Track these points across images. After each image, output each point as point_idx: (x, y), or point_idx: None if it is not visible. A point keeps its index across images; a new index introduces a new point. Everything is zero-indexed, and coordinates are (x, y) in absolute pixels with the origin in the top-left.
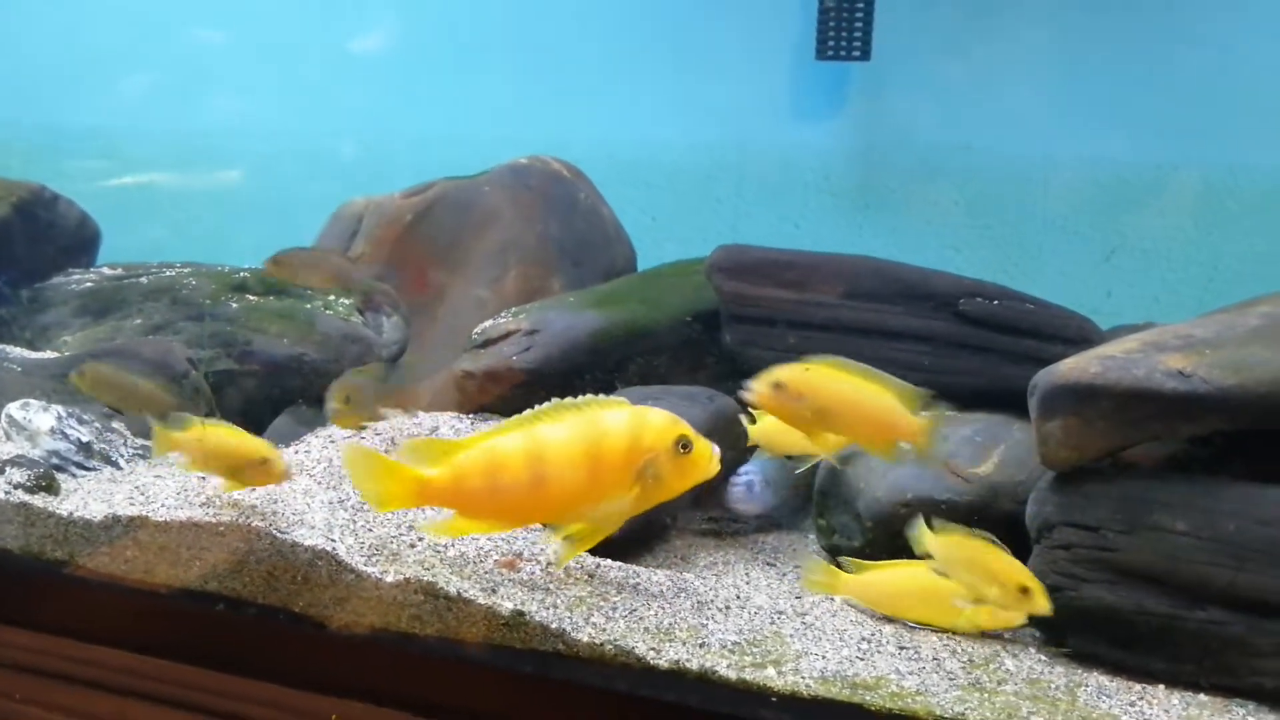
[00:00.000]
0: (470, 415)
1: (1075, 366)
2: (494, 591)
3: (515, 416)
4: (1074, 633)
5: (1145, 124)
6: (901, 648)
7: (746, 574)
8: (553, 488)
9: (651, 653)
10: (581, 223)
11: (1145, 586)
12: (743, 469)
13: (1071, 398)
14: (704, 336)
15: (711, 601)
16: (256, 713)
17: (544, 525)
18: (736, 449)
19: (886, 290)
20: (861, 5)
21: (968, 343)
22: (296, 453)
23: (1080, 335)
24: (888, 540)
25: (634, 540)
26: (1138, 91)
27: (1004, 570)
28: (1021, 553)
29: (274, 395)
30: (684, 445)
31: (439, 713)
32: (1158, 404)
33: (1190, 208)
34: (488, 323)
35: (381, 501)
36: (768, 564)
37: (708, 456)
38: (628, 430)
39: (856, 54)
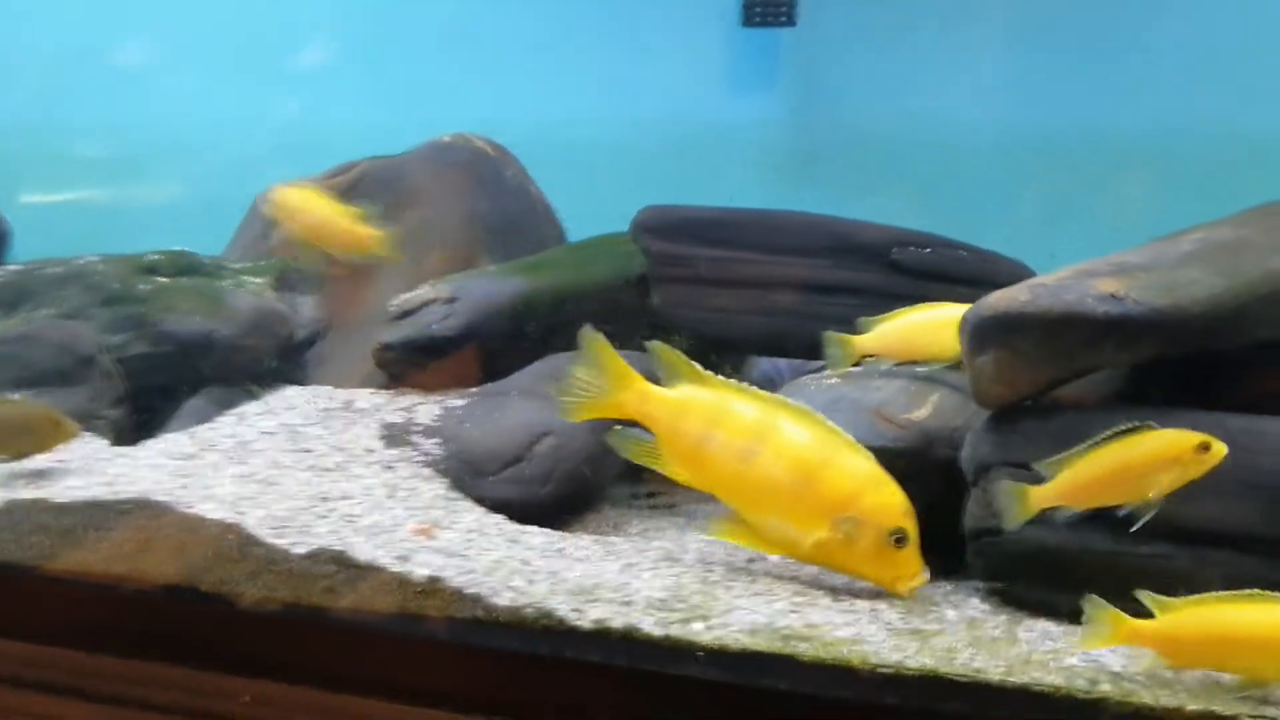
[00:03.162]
0: (389, 390)
1: (1004, 296)
2: (407, 559)
3: (766, 394)
4: (1017, 579)
5: (1084, 88)
6: (837, 600)
7: (680, 538)
8: (751, 474)
9: (574, 614)
10: (509, 201)
11: (1088, 524)
12: None
13: (1001, 328)
14: (635, 301)
15: (639, 563)
16: (165, 697)
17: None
18: None
19: (815, 244)
20: None
21: (901, 293)
22: (209, 430)
23: (1015, 280)
24: None
25: (562, 508)
26: (1075, 55)
27: None
28: (958, 499)
29: (188, 375)
30: (899, 539)
31: (354, 687)
32: (1090, 329)
33: (1131, 171)
34: (405, 294)
35: (595, 402)
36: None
37: (911, 573)
38: (855, 479)
39: (783, 19)
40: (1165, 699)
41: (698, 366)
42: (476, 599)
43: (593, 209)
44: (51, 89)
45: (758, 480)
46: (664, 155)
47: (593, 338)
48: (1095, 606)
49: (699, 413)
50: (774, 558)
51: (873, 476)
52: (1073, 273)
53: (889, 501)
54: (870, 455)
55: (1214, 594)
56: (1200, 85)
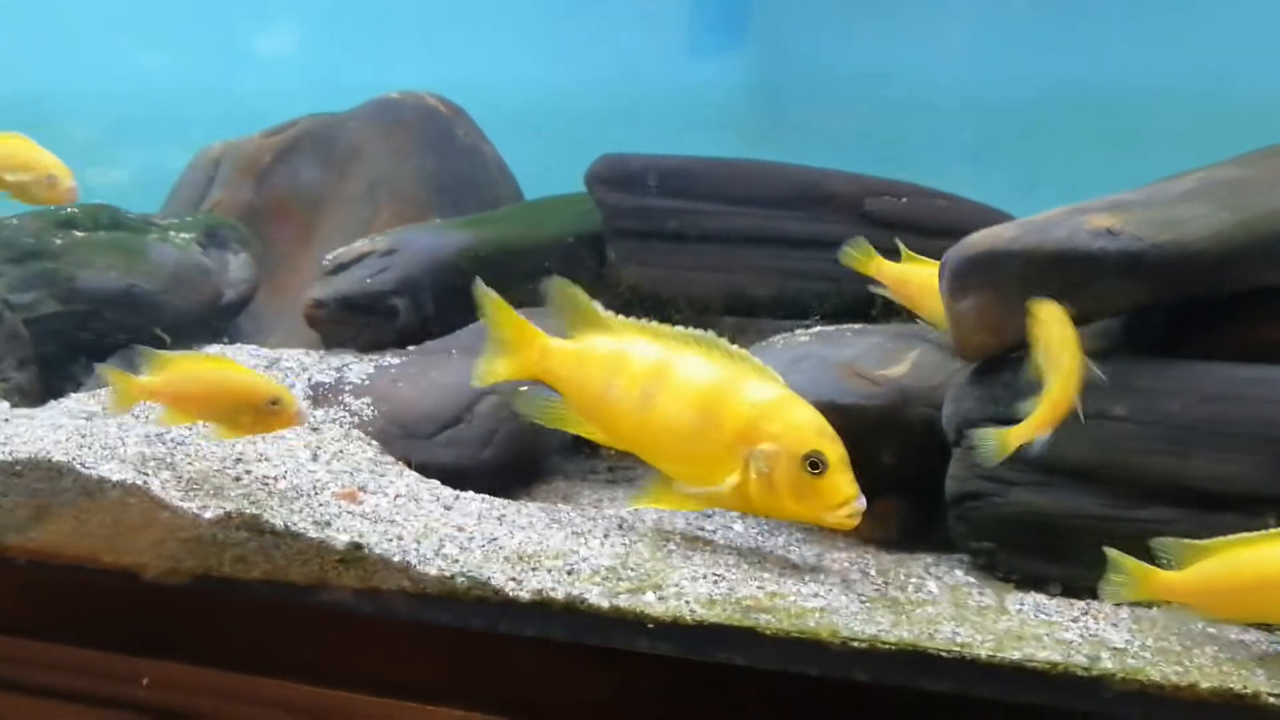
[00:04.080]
0: (320, 351)
1: (988, 234)
2: (328, 525)
3: (671, 328)
4: (1003, 547)
5: (1064, 45)
6: (807, 569)
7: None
8: (652, 420)
9: (511, 584)
10: (460, 160)
11: (1081, 485)
12: None
13: (985, 269)
14: (588, 258)
15: (589, 531)
16: (57, 680)
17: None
18: None
19: (783, 194)
20: None
21: (875, 246)
22: None
23: None
24: None
25: (506, 473)
26: (1050, 13)
27: None
28: (937, 460)
29: (104, 335)
30: (814, 464)
31: (267, 668)
32: (1083, 268)
33: (1115, 131)
34: (341, 249)
35: (497, 362)
36: None
37: (840, 500)
38: (756, 406)
39: None
40: (1175, 676)
41: (598, 307)
42: (403, 568)
43: (551, 173)
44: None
45: (659, 425)
46: (624, 118)
47: (485, 295)
48: (1118, 558)
49: (599, 362)
50: (738, 526)
51: (777, 400)
52: (1064, 211)
53: (796, 423)
54: (778, 378)
55: (1245, 535)
56: (1184, 42)
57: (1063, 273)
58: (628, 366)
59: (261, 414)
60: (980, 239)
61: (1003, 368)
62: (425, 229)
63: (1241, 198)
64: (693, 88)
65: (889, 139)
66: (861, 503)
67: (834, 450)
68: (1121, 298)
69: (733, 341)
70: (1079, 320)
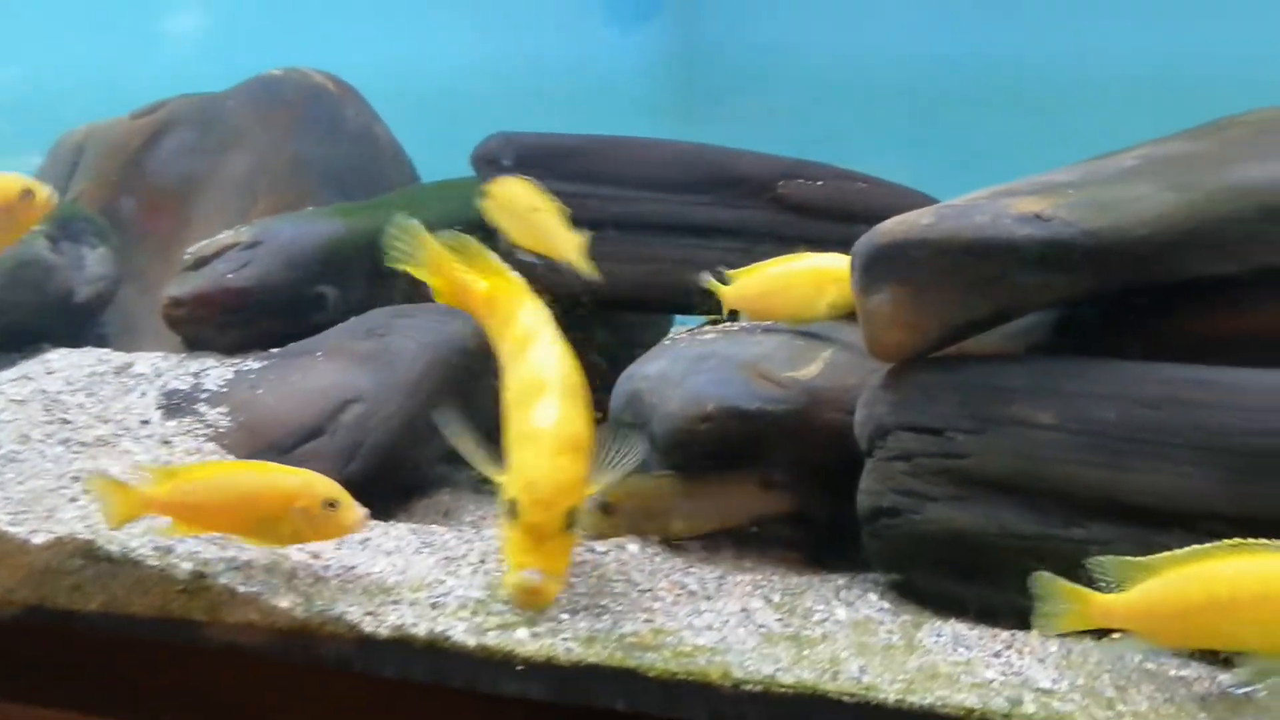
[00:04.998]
0: (179, 355)
1: (902, 221)
2: (170, 551)
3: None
4: (920, 567)
5: (994, 18)
6: (704, 598)
7: None
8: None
9: (368, 618)
10: (349, 144)
11: (1005, 500)
12: None
13: (899, 260)
14: None
15: (463, 557)
16: None
17: None
18: None
19: (689, 177)
20: None
21: (788, 233)
22: None
23: None
24: (687, 465)
25: (375, 489)
26: None
27: None
28: (852, 470)
29: None
30: (510, 511)
31: (103, 706)
32: (1007, 257)
33: (1057, 110)
34: (203, 241)
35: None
36: None
37: (512, 563)
38: (521, 432)
39: None
40: None
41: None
42: (250, 599)
43: (452, 158)
44: None
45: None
46: (533, 97)
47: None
48: (1048, 583)
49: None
50: (632, 547)
51: (531, 433)
52: (988, 193)
53: (518, 466)
54: (578, 407)
55: (1193, 548)
56: (1128, 15)
57: (984, 263)
58: (510, 329)
59: (312, 518)
60: (892, 227)
61: (919, 369)
62: (295, 219)
63: (1189, 176)
64: (605, 62)
65: (820, 117)
66: (530, 578)
67: (524, 514)
68: (1049, 291)
69: None
70: (1004, 315)
